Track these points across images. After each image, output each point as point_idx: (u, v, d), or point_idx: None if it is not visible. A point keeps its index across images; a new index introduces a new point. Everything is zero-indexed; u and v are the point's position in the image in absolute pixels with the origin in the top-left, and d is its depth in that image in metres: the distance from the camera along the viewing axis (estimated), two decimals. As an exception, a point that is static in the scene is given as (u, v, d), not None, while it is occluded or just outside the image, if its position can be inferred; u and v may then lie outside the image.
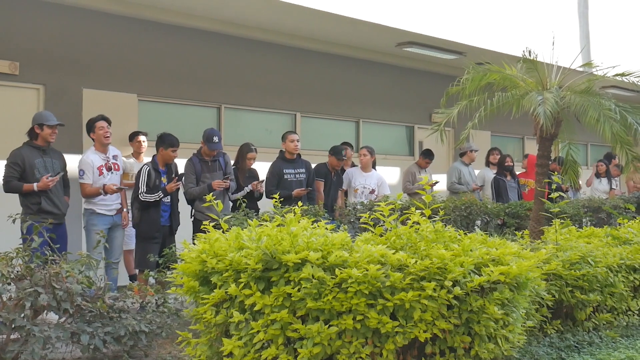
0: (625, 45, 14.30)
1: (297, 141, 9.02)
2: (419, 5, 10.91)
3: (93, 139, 7.90)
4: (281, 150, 9.09)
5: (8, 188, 7.19)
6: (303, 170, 9.01)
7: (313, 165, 9.43)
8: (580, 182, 8.18)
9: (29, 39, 8.77)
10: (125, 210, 8.02)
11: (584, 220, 10.59)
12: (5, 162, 7.28)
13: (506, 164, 11.64)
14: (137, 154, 9.14)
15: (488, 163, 12.47)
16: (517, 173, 12.42)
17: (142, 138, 9.14)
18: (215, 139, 8.19)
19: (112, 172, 7.87)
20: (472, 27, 11.65)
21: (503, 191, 11.37)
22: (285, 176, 8.83)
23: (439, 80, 11.04)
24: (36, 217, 6.81)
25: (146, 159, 8.95)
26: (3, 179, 7.26)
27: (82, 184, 7.74)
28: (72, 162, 7.92)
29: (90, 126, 7.88)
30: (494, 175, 11.74)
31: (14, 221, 6.11)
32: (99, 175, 7.76)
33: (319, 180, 9.47)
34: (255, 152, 9.07)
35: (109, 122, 7.87)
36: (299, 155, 9.11)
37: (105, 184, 7.70)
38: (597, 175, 13.94)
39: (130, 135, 9.19)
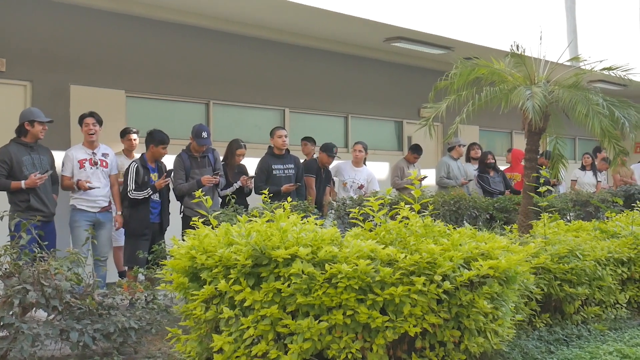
0: (612, 40, 14.37)
1: (285, 137, 9.02)
2: (407, 0, 10.91)
3: None
4: (270, 146, 9.08)
5: None
6: (292, 165, 9.01)
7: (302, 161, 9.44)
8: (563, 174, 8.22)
9: (16, 36, 8.71)
10: (118, 213, 7.94)
11: (571, 214, 10.64)
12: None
13: (487, 161, 11.69)
14: (128, 152, 9.08)
15: (469, 158, 12.51)
16: (503, 168, 12.47)
17: (133, 136, 9.10)
18: (204, 134, 8.18)
19: (97, 168, 7.78)
20: (460, 22, 11.66)
21: (488, 187, 11.44)
22: (274, 172, 8.82)
23: (427, 75, 11.05)
24: (24, 214, 6.77)
25: (137, 156, 8.93)
26: None
27: (61, 175, 7.72)
28: (60, 158, 7.88)
29: (80, 121, 7.85)
30: (477, 172, 11.79)
31: (1, 218, 6.07)
32: (80, 169, 7.68)
33: (311, 177, 9.46)
34: (245, 149, 9.05)
35: (99, 121, 7.80)
36: (287, 150, 9.11)
37: (80, 179, 7.64)
38: (583, 168, 13.99)
39: (121, 132, 9.15)
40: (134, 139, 9.08)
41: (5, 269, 5.16)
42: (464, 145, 11.90)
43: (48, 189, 7.38)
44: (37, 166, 7.24)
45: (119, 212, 7.91)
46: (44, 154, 7.42)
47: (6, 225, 6.52)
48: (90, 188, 7.62)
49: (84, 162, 7.71)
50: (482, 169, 11.69)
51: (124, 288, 5.93)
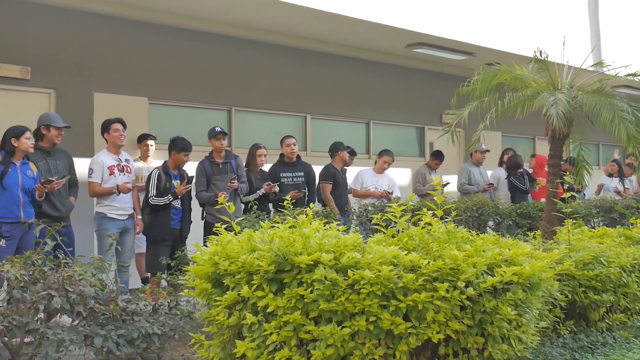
0: (636, 44, 14.23)
1: (294, 145, 9.17)
2: (429, 6, 10.90)
3: (106, 140, 7.88)
4: (281, 154, 9.16)
5: None
6: (301, 173, 9.08)
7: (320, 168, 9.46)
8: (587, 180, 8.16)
9: (40, 44, 8.80)
10: (138, 217, 7.99)
11: (595, 220, 10.56)
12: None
13: (518, 171, 11.80)
14: (144, 157, 9.16)
15: (502, 163, 12.46)
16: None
17: (150, 142, 9.16)
18: (217, 128, 8.29)
19: (124, 174, 7.82)
20: (482, 28, 11.62)
21: (521, 185, 11.54)
22: (282, 179, 8.91)
23: (449, 81, 11.02)
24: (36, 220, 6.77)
25: (154, 161, 8.99)
26: None
27: (89, 182, 7.72)
28: (83, 165, 7.94)
29: (106, 127, 7.82)
30: (506, 176, 11.79)
31: (28, 226, 6.13)
32: (110, 175, 7.69)
33: (327, 183, 9.42)
34: (265, 149, 9.06)
35: (125, 126, 7.86)
36: (299, 157, 9.17)
37: (119, 184, 7.67)
38: (610, 175, 13.90)
39: (138, 138, 9.21)
40: (150, 145, 9.16)
41: (31, 274, 5.19)
42: (483, 151, 11.80)
43: (63, 193, 7.33)
44: (53, 172, 7.18)
45: (139, 217, 7.96)
46: (60, 158, 7.38)
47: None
48: (132, 188, 7.75)
49: (113, 169, 7.74)
50: (510, 172, 11.78)
51: (147, 294, 5.96)
